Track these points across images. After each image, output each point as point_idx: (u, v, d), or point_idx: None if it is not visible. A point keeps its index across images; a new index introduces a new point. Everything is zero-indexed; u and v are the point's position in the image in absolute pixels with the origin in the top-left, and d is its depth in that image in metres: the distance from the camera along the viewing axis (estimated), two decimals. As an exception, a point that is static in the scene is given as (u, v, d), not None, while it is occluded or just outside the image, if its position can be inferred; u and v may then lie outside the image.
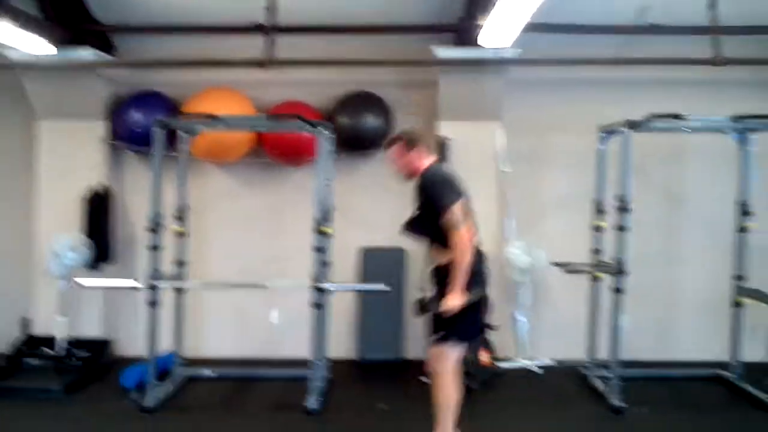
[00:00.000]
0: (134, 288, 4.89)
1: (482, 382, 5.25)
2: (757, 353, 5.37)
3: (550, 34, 5.54)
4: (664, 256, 6.14)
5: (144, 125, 5.57)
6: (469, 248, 3.37)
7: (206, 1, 5.61)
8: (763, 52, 5.64)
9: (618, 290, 4.92)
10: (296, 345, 5.59)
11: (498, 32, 4.82)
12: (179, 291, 5.40)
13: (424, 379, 4.54)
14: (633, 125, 4.90)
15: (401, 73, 6.03)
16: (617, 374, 4.92)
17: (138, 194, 6.04)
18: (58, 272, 5.47)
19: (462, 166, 5.78)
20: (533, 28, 4.85)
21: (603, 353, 5.23)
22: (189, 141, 5.35)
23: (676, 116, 4.84)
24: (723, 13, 5.14)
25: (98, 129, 5.91)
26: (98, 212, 5.85)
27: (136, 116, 5.70)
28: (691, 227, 6.10)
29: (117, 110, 5.88)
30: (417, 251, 5.21)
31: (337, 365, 5.62)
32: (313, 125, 5.01)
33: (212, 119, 5.00)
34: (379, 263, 6.00)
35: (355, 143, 5.87)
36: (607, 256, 5.20)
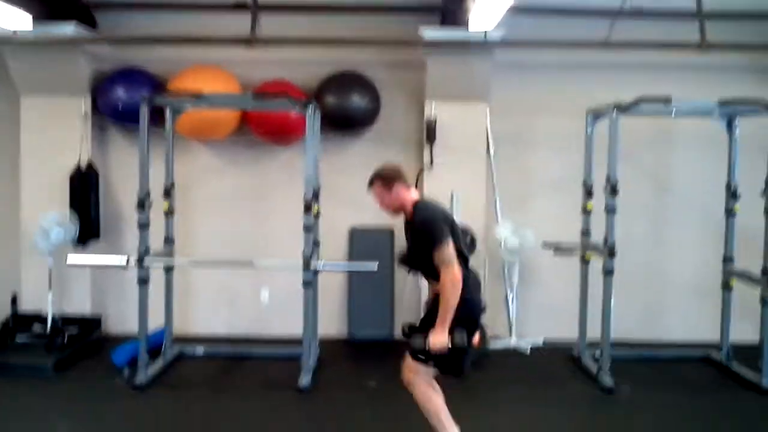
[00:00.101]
0: (123, 266, 4.87)
1: (471, 363, 5.30)
2: (746, 334, 5.46)
3: (538, 16, 5.56)
4: (654, 238, 6.22)
5: (127, 102, 5.54)
6: (459, 285, 3.29)
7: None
8: (749, 38, 5.68)
9: (608, 272, 4.99)
10: (285, 324, 5.64)
11: (485, 14, 4.82)
12: (168, 269, 5.40)
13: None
14: (621, 108, 4.93)
15: (388, 54, 6.01)
16: (607, 354, 4.99)
17: (122, 171, 6.03)
18: (46, 249, 5.44)
19: (450, 147, 5.87)
20: (520, 10, 4.88)
21: (593, 334, 5.30)
22: (174, 118, 5.30)
23: (665, 100, 4.88)
24: (709, -1, 5.19)
25: (81, 105, 5.84)
26: (84, 189, 5.82)
27: (120, 93, 5.65)
28: (680, 210, 6.18)
29: (100, 86, 5.81)
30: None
31: (326, 344, 5.67)
32: (300, 104, 4.99)
33: (199, 97, 4.97)
34: (368, 243, 6.03)
35: (341, 123, 5.87)
36: (596, 238, 5.25)
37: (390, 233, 6.00)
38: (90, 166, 5.86)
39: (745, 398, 4.90)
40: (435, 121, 5.85)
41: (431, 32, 5.56)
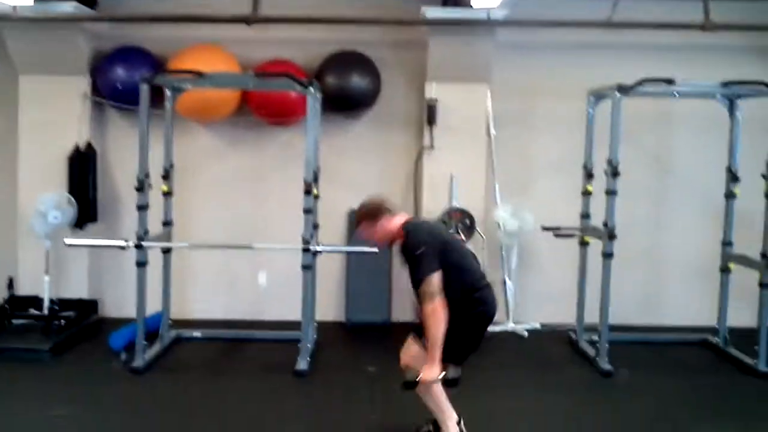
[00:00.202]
0: (122, 247, 4.84)
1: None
2: (744, 318, 5.44)
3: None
4: (653, 222, 6.19)
5: (126, 81, 5.49)
6: (440, 317, 3.26)
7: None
8: (753, 18, 5.61)
9: (607, 255, 4.96)
10: (283, 307, 5.62)
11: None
12: (166, 252, 5.37)
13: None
14: (623, 89, 4.88)
15: (390, 33, 5.95)
16: (605, 338, 4.97)
17: (121, 152, 5.97)
18: (43, 231, 5.41)
19: (450, 129, 5.82)
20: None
21: (591, 317, 5.28)
22: (174, 98, 5.24)
23: (667, 81, 4.83)
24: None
25: (80, 84, 5.79)
26: (82, 170, 5.77)
27: (119, 72, 5.61)
28: (680, 193, 6.14)
29: (99, 66, 5.76)
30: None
31: (324, 327, 5.65)
32: (302, 84, 4.94)
33: (200, 76, 4.91)
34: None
35: (342, 103, 5.81)
36: (596, 221, 5.22)
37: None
38: (89, 146, 5.81)
39: (742, 382, 4.90)
40: (436, 103, 5.78)
41: (433, 11, 5.50)
